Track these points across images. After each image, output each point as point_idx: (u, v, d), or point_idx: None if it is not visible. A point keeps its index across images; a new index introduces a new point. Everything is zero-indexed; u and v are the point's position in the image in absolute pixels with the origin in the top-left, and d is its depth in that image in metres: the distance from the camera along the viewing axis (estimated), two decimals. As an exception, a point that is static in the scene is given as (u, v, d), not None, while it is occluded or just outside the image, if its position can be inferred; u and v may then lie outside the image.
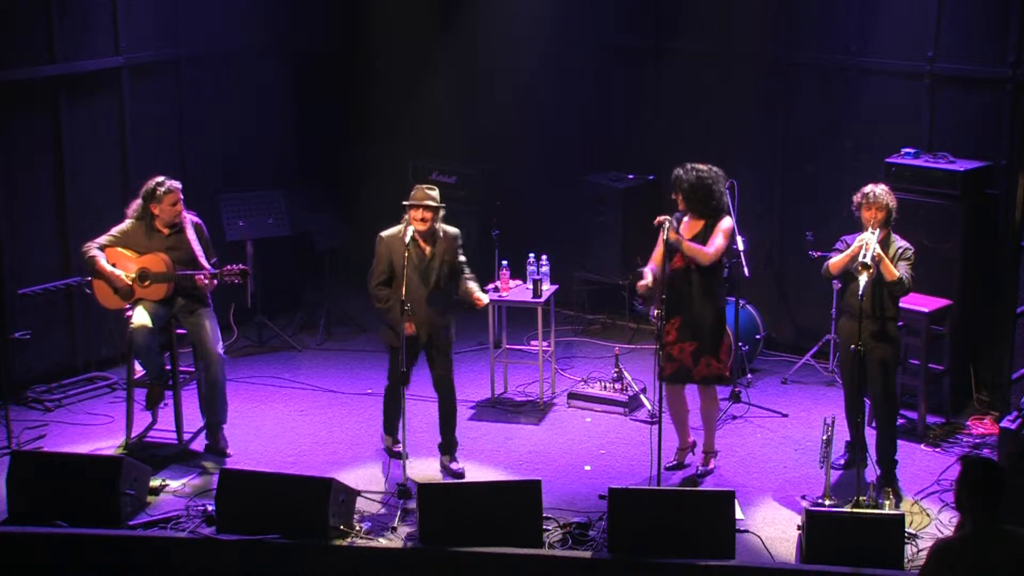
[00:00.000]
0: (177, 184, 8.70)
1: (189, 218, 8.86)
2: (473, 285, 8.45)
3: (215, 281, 8.64)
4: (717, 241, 8.15)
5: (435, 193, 8.22)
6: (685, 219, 8.26)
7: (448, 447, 8.60)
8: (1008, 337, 9.13)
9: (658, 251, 8.24)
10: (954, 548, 5.49)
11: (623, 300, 11.06)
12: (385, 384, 8.57)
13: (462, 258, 8.40)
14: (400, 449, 8.27)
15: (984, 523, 5.41)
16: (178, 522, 7.82)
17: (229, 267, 8.66)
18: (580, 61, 11.41)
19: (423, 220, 8.13)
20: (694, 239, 8.17)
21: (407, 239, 8.08)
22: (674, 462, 8.61)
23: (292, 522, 7.46)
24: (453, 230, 8.35)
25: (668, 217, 8.10)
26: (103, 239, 8.75)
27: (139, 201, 8.75)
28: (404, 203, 8.19)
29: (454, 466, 8.54)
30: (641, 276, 8.20)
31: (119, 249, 8.72)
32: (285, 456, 8.88)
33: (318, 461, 8.78)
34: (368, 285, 8.37)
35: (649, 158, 10.96)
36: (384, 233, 8.29)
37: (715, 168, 8.26)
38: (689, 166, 8.22)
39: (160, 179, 8.69)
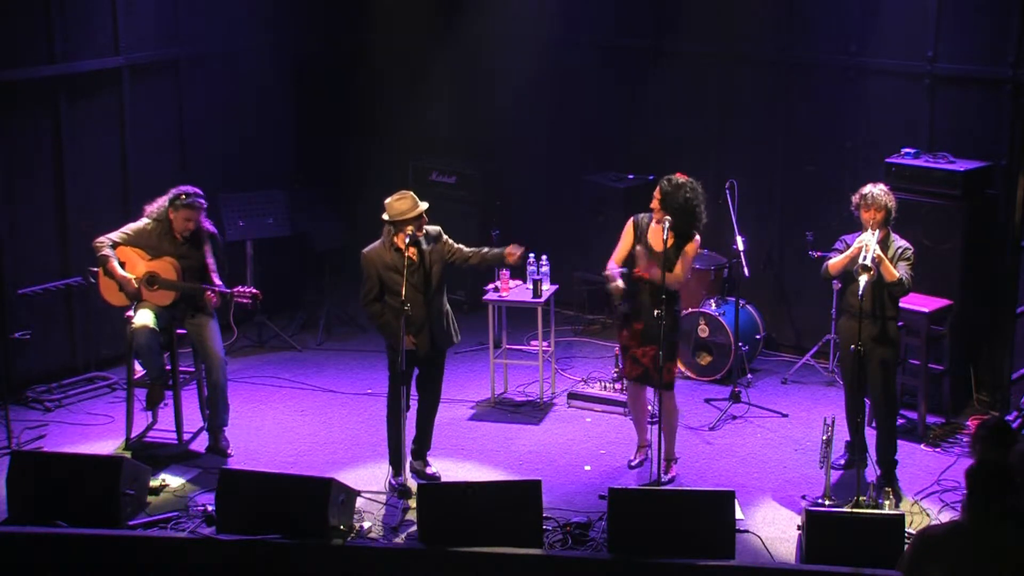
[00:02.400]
0: (202, 203, 8.69)
1: (207, 228, 8.83)
2: (495, 250, 8.38)
3: (221, 300, 8.63)
4: (680, 268, 8.15)
5: (413, 196, 8.11)
6: (653, 226, 8.22)
7: (423, 451, 8.56)
8: (1008, 337, 9.15)
9: (623, 251, 8.27)
10: (936, 537, 5.50)
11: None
12: (386, 411, 8.39)
13: (458, 245, 8.33)
14: (401, 481, 8.24)
15: (975, 517, 5.42)
16: (178, 522, 7.83)
17: (240, 288, 8.66)
18: (580, 61, 11.42)
19: (420, 229, 8.10)
20: (663, 253, 8.08)
21: (403, 249, 8.03)
22: (636, 461, 8.65)
23: (292, 522, 7.45)
24: (434, 228, 8.25)
25: (668, 218, 8.11)
26: (116, 235, 8.74)
27: (163, 201, 8.74)
28: (396, 220, 8.04)
29: (429, 471, 8.50)
30: (610, 279, 8.20)
31: (130, 248, 8.72)
32: (285, 456, 8.88)
33: (318, 461, 8.78)
34: (361, 305, 8.32)
35: (649, 158, 10.96)
36: (366, 250, 8.17)
37: (698, 186, 8.21)
38: (677, 181, 8.14)
39: (188, 191, 8.68)
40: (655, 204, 8.18)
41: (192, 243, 8.75)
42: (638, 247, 8.24)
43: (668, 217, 8.13)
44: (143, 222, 8.79)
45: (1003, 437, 6.28)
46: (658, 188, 8.19)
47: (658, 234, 8.12)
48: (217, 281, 8.73)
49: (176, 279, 8.65)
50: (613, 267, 8.24)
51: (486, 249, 8.44)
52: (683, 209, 8.10)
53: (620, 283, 8.15)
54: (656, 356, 8.13)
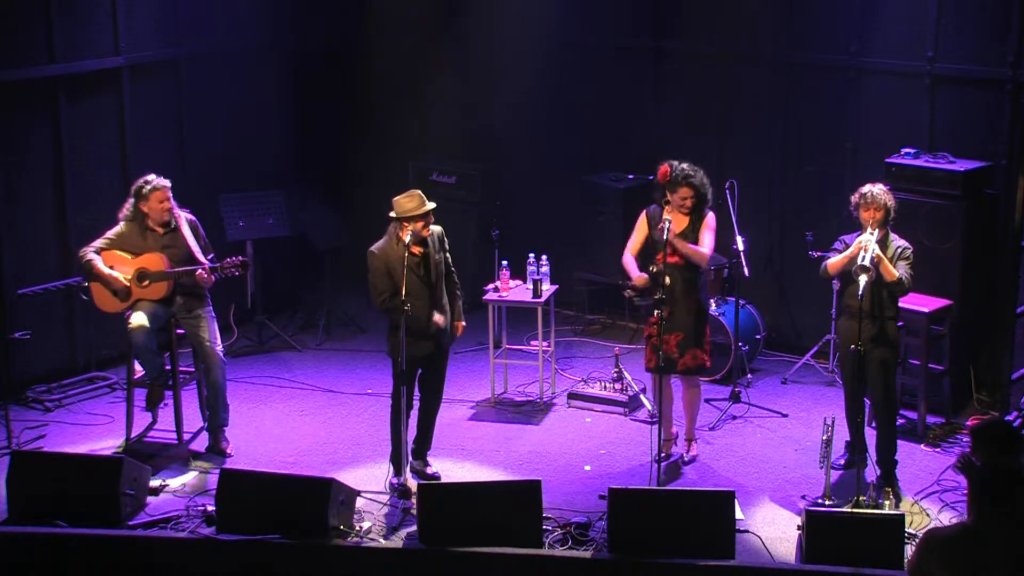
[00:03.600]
0: (165, 182, 8.68)
1: (184, 216, 8.84)
2: (458, 308, 8.44)
3: (214, 276, 8.63)
4: (709, 240, 8.38)
5: (421, 195, 8.12)
6: (665, 215, 8.34)
7: (423, 451, 8.55)
8: (1008, 337, 9.14)
9: (638, 241, 8.46)
10: (943, 539, 5.49)
11: (623, 300, 11.06)
12: (390, 410, 8.37)
13: (449, 256, 8.38)
14: (401, 481, 8.22)
15: (984, 519, 5.42)
16: (178, 522, 7.82)
17: (229, 259, 8.66)
18: (580, 61, 11.42)
19: (426, 227, 8.11)
20: (681, 234, 8.33)
21: (406, 245, 8.02)
22: (664, 455, 8.68)
23: (292, 522, 7.46)
24: (438, 228, 8.28)
25: (668, 218, 8.20)
26: (99, 243, 8.74)
27: (130, 201, 8.75)
28: (402, 217, 8.04)
29: (429, 471, 8.48)
30: (633, 274, 8.35)
31: (115, 252, 8.72)
32: (285, 456, 8.87)
33: (318, 461, 8.78)
34: (375, 304, 8.23)
35: (649, 158, 10.89)
36: (374, 248, 8.16)
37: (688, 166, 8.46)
38: (688, 169, 8.32)
39: (148, 177, 8.69)
40: (690, 203, 8.31)
41: (171, 232, 8.75)
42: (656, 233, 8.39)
43: (668, 217, 8.25)
44: (121, 225, 8.78)
45: (1012, 442, 6.24)
46: (688, 188, 8.29)
47: (671, 221, 8.26)
48: (203, 260, 8.72)
49: (166, 269, 8.65)
50: (630, 259, 8.37)
51: (458, 300, 8.47)
52: (704, 189, 8.38)
53: (644, 275, 8.27)
54: (680, 342, 8.29)
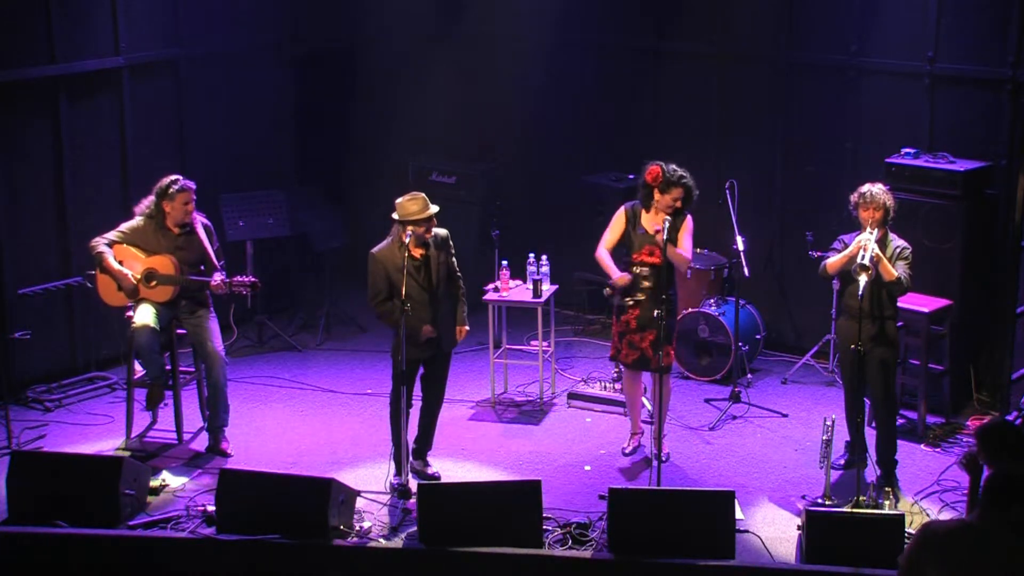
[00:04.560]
0: (191, 184, 8.70)
1: (200, 220, 8.84)
2: (461, 312, 8.45)
3: (223, 289, 8.63)
4: (689, 243, 8.49)
5: (425, 199, 8.12)
6: (648, 215, 8.43)
7: (423, 451, 8.55)
8: (1008, 337, 9.15)
9: (613, 236, 8.54)
10: (941, 534, 5.49)
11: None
12: (389, 410, 8.36)
13: (454, 260, 8.38)
14: (401, 481, 8.21)
15: (985, 518, 5.42)
16: (178, 522, 7.82)
17: (239, 278, 8.65)
18: (580, 61, 11.42)
19: (428, 231, 8.11)
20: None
21: (405, 247, 8.01)
22: (630, 448, 8.79)
23: (292, 522, 7.46)
24: (443, 231, 8.29)
25: (667, 218, 8.22)
26: (112, 235, 8.74)
27: (152, 198, 8.74)
28: (404, 220, 8.04)
29: (429, 471, 8.48)
30: (620, 277, 8.42)
31: (127, 247, 8.72)
32: (285, 456, 8.87)
33: (318, 461, 8.77)
34: (370, 305, 8.28)
35: (649, 158, 10.89)
36: (375, 250, 8.15)
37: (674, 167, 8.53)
38: (679, 170, 8.40)
39: (175, 177, 8.70)
40: (680, 204, 8.37)
41: (187, 235, 8.75)
42: (638, 233, 8.44)
43: (668, 217, 8.31)
44: (137, 220, 8.80)
45: (1016, 445, 6.20)
46: (681, 188, 8.36)
47: (654, 224, 8.34)
48: (217, 264, 8.74)
49: (175, 274, 8.65)
50: (605, 255, 8.47)
51: (462, 304, 8.45)
52: (694, 192, 8.46)
53: (626, 275, 8.34)
54: (654, 341, 8.31)
